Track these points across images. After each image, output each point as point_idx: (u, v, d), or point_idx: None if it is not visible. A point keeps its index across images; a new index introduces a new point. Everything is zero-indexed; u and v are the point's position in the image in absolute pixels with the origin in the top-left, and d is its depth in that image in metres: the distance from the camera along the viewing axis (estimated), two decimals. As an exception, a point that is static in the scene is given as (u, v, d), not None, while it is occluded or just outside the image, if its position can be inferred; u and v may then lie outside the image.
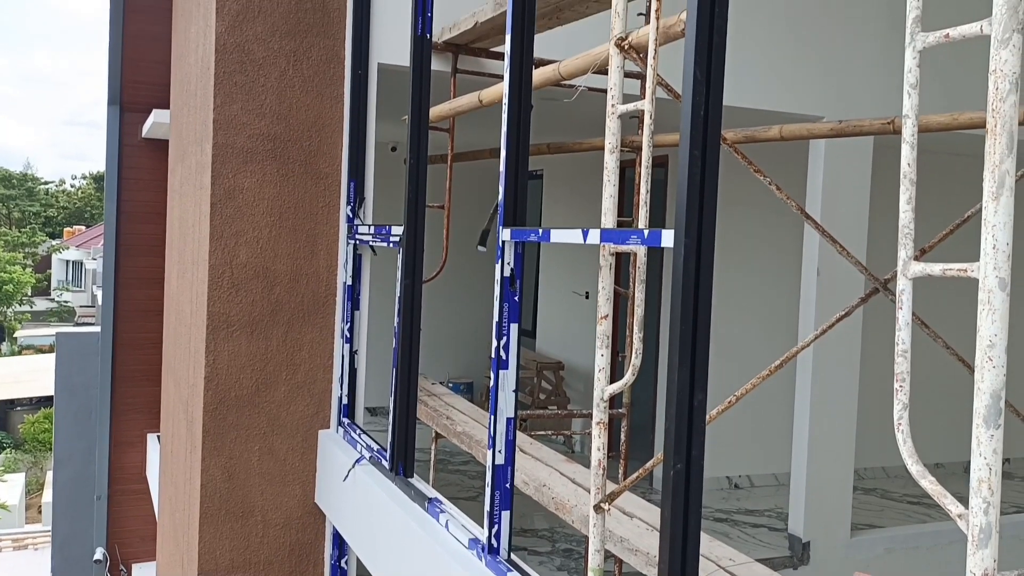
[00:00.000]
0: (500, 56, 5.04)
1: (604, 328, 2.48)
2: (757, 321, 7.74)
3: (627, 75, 3.85)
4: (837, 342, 5.67)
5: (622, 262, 6.59)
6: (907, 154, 1.59)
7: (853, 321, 5.82)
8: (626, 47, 2.66)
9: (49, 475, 17.36)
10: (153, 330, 8.20)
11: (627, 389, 3.47)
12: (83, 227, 50.46)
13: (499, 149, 2.99)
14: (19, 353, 33.07)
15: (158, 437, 8.15)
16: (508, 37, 2.96)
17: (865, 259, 5.89)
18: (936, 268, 1.53)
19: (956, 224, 2.69)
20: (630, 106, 2.57)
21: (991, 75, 1.40)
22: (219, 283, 4.40)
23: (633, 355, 2.37)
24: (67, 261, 47.16)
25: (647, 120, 2.47)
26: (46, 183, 57.09)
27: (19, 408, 24.98)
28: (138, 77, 8.14)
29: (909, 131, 1.59)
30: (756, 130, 4.19)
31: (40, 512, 19.17)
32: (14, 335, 35.39)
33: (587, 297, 9.13)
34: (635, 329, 2.39)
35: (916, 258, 1.62)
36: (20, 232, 45.45)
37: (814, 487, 6.10)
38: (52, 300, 42.29)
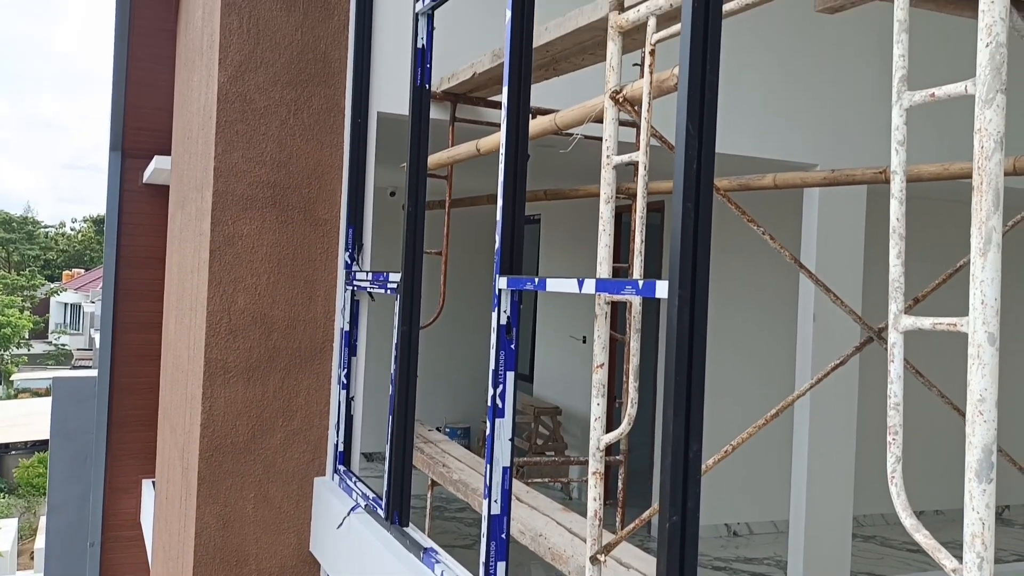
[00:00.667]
0: (498, 105, 5.11)
1: (600, 377, 2.49)
2: (754, 366, 7.74)
3: (622, 123, 3.91)
4: (834, 388, 5.66)
5: (619, 306, 6.61)
6: (896, 209, 1.61)
7: (850, 366, 5.82)
8: (621, 100, 2.71)
9: (42, 521, 17.19)
10: (150, 375, 8.19)
11: (624, 436, 3.46)
12: (82, 270, 50.55)
13: (497, 195, 3.03)
14: (15, 396, 32.92)
15: (153, 483, 8.09)
16: (505, 89, 3.01)
17: (861, 304, 5.91)
18: (926, 322, 1.55)
19: (948, 274, 2.71)
20: (625, 157, 2.61)
21: (976, 134, 1.43)
22: (217, 329, 4.41)
23: (629, 404, 2.37)
24: (65, 304, 47.16)
25: (641, 171, 2.50)
26: (46, 227, 57.31)
27: (13, 452, 24.79)
28: (140, 123, 8.23)
29: (897, 187, 1.62)
30: (750, 178, 4.24)
31: (32, 558, 18.92)
32: (10, 378, 35.25)
33: (584, 341, 9.14)
34: (631, 379, 2.40)
35: (908, 309, 1.64)
36: (19, 275, 45.51)
37: (813, 534, 6.05)
38: (50, 343, 42.21)
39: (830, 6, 2.33)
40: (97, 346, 9.56)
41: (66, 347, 41.66)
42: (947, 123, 5.98)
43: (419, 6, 3.95)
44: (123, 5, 7.70)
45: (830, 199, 6.00)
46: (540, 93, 4.96)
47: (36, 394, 31.24)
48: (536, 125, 3.55)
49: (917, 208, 7.91)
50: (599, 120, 2.99)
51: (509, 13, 3.04)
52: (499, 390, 2.88)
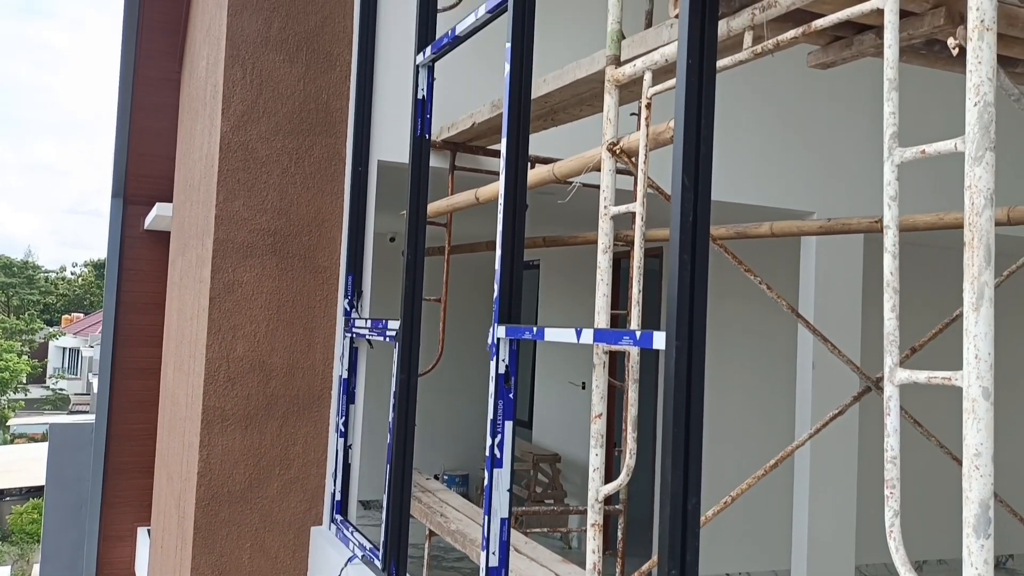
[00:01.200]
0: (497, 153, 5.16)
1: (598, 427, 2.49)
2: (754, 413, 7.71)
3: (620, 172, 3.95)
4: (834, 435, 5.64)
5: (618, 352, 6.61)
6: (889, 263, 1.63)
7: (850, 414, 5.80)
8: (618, 151, 2.75)
9: (36, 568, 16.94)
10: (148, 421, 8.15)
11: (623, 486, 3.45)
12: (81, 314, 50.51)
13: (496, 242, 3.05)
14: (11, 442, 32.68)
15: (149, 531, 8.01)
16: (504, 140, 3.05)
17: (860, 350, 5.92)
18: (922, 376, 1.56)
19: (944, 324, 2.72)
20: (622, 208, 2.64)
21: (967, 190, 1.46)
22: (215, 376, 4.40)
23: (628, 455, 2.37)
24: (64, 348, 47.05)
25: (638, 222, 2.53)
26: (47, 271, 57.43)
27: (8, 499, 24.54)
28: (142, 171, 8.30)
29: (891, 240, 1.64)
30: (747, 226, 4.27)
31: (25, 607, 18.64)
32: (7, 423, 35.04)
33: (584, 387, 9.11)
34: (630, 429, 2.40)
35: (905, 359, 1.65)
36: (18, 319, 45.48)
37: (816, 584, 5.98)
38: (47, 388, 42.03)
39: (822, 62, 2.38)
40: (95, 391, 9.53)
41: (63, 392, 41.48)
42: (944, 169, 6.03)
43: (420, 58, 4.01)
44: (128, 55, 7.81)
45: (828, 246, 6.03)
46: (539, 141, 5.02)
47: (32, 439, 31.03)
48: (535, 175, 3.59)
49: (914, 255, 7.96)
50: (597, 169, 3.03)
51: (508, 66, 3.09)
52: (497, 440, 2.87)
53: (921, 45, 2.22)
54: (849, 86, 6.13)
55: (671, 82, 2.36)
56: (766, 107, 5.96)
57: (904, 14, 2.07)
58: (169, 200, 7.77)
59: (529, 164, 3.61)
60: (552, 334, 2.63)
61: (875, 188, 6.05)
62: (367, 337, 4.43)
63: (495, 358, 2.92)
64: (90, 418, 9.21)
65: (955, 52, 1.54)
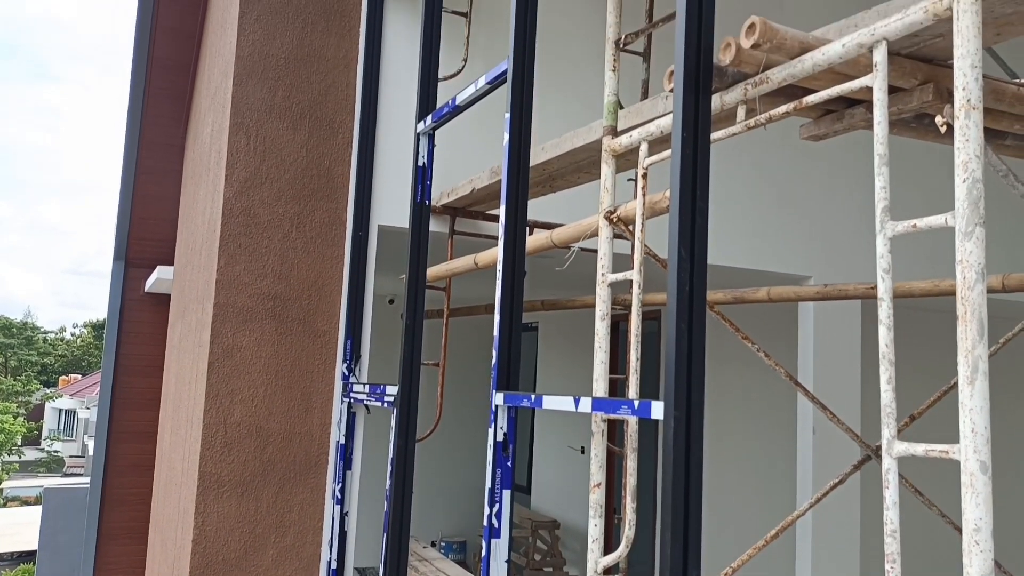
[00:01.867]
0: (496, 218, 5.22)
1: (597, 497, 2.47)
2: (755, 478, 7.64)
3: (617, 236, 3.99)
4: (836, 503, 5.59)
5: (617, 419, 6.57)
6: (884, 335, 1.64)
7: (851, 480, 5.75)
8: (615, 220, 2.78)
9: (24, 637, 16.57)
10: (143, 485, 8.07)
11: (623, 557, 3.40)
12: (79, 375, 50.32)
13: (494, 304, 3.07)
14: (4, 505, 32.26)
15: (140, 599, 7.87)
16: (503, 208, 3.09)
17: (860, 415, 5.89)
18: (919, 448, 1.56)
19: (942, 392, 2.72)
20: (619, 276, 2.66)
21: (958, 265, 1.48)
22: (212, 442, 4.38)
23: (627, 526, 2.35)
24: (60, 410, 46.75)
25: (635, 290, 2.55)
26: (46, 332, 57.37)
27: (-2, 564, 24.13)
28: (144, 234, 8.37)
29: (885, 313, 1.66)
30: (744, 291, 4.29)
31: (11, 677, 18.20)
32: (0, 486, 34.63)
33: (583, 452, 9.04)
34: (629, 499, 2.38)
35: (904, 427, 1.65)
36: (15, 380, 45.27)
37: (821, 656, 5.86)
38: (42, 450, 41.65)
39: (814, 135, 2.42)
40: (90, 453, 9.44)
41: (58, 454, 41.10)
42: (939, 234, 6.09)
43: (421, 127, 4.08)
44: (134, 121, 7.94)
45: (826, 310, 6.05)
46: (537, 206, 5.08)
47: (25, 503, 30.63)
48: (533, 241, 3.63)
49: (912, 319, 7.97)
50: (595, 236, 3.06)
51: (507, 136, 3.15)
52: (495, 509, 2.85)
53: (911, 119, 2.27)
54: (845, 150, 6.22)
55: (667, 153, 2.41)
56: (762, 170, 6.03)
57: (893, 89, 2.12)
58: (170, 263, 7.82)
59: (528, 229, 3.65)
60: (550, 402, 2.63)
61: (872, 251, 6.10)
62: (365, 403, 4.41)
63: (493, 425, 2.91)
64: (85, 481, 9.12)
65: (943, 130, 1.57)
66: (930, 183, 6.03)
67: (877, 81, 1.70)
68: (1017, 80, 2.12)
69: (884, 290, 1.66)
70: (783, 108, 2.02)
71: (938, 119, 1.57)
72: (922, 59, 2.04)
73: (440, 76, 4.32)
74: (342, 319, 4.75)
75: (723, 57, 2.13)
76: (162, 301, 8.50)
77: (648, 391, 8.20)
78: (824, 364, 5.98)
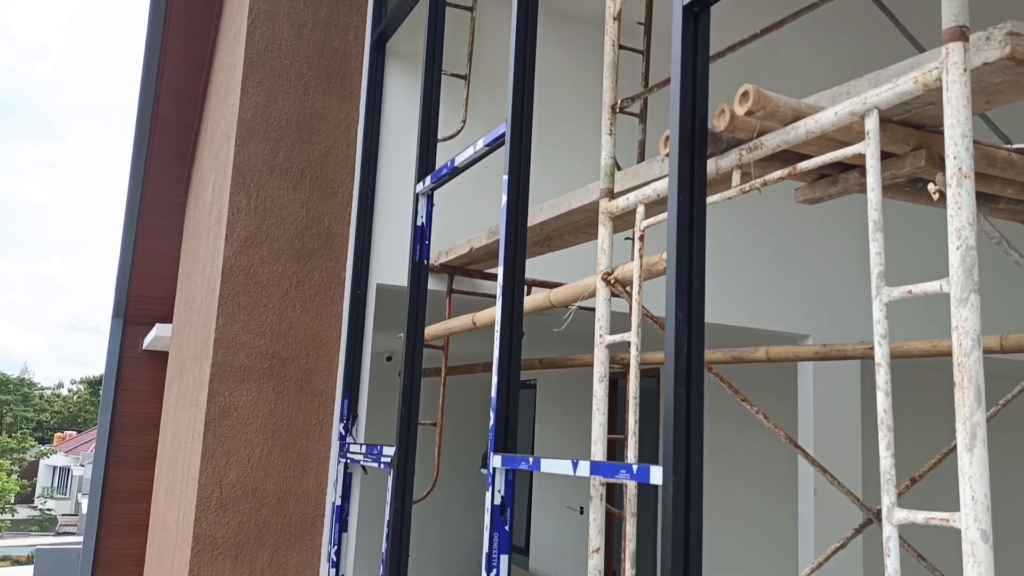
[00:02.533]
0: (494, 277, 5.23)
1: (596, 563, 2.44)
2: (755, 542, 7.53)
3: (615, 295, 4.00)
4: (839, 566, 5.50)
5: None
6: (882, 401, 1.64)
7: (854, 541, 5.68)
8: (612, 281, 2.79)
9: None
10: (137, 546, 7.96)
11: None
12: (74, 432, 49.93)
13: (492, 363, 3.06)
14: (-6, 565, 31.69)
15: (131, 664, 7.70)
16: (501, 268, 3.10)
17: (861, 474, 5.84)
18: (919, 516, 1.54)
19: (942, 454, 2.70)
20: (617, 337, 2.66)
21: (954, 331, 1.48)
22: (207, 503, 4.33)
23: (625, 592, 2.31)
24: (54, 467, 46.27)
25: (633, 352, 2.54)
26: (42, 388, 57.09)
27: (-14, 627, 23.62)
28: (144, 291, 8.39)
29: (883, 379, 1.66)
30: (743, 351, 4.29)
31: None
32: (-9, 545, 34.08)
33: (581, 512, 8.94)
34: (628, 565, 2.35)
35: (905, 490, 1.63)
36: (10, 437, 44.90)
37: None
38: (35, 508, 41.11)
39: (809, 198, 2.45)
40: (83, 512, 9.33)
41: (51, 512, 40.55)
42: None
43: (420, 187, 4.12)
44: (136, 179, 8.01)
45: (825, 369, 6.04)
46: (535, 265, 5.10)
47: (17, 562, 30.11)
48: (531, 302, 3.63)
49: (913, 377, 7.94)
50: (592, 296, 3.07)
51: (505, 197, 3.18)
52: (493, 574, 2.81)
53: (905, 183, 2.30)
54: (842, 207, 6.27)
55: (663, 216, 2.43)
56: (760, 228, 6.07)
57: (887, 155, 2.15)
58: (169, 321, 7.82)
59: (526, 287, 3.66)
60: (548, 465, 2.61)
61: (870, 309, 6.11)
62: (362, 463, 4.38)
63: (491, 488, 2.88)
64: (77, 541, 8.99)
65: (936, 197, 1.59)
66: (929, 232, 6.07)
67: (870, 149, 1.73)
68: (1009, 146, 2.15)
69: (881, 355, 1.66)
70: (778, 173, 2.04)
71: (931, 187, 1.59)
72: (914, 125, 2.07)
73: (439, 137, 4.38)
74: (339, 378, 4.74)
75: (717, 123, 2.16)
76: (160, 359, 8.48)
77: (647, 449, 8.13)
78: (824, 423, 5.95)
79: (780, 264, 6.10)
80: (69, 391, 60.02)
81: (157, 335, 7.61)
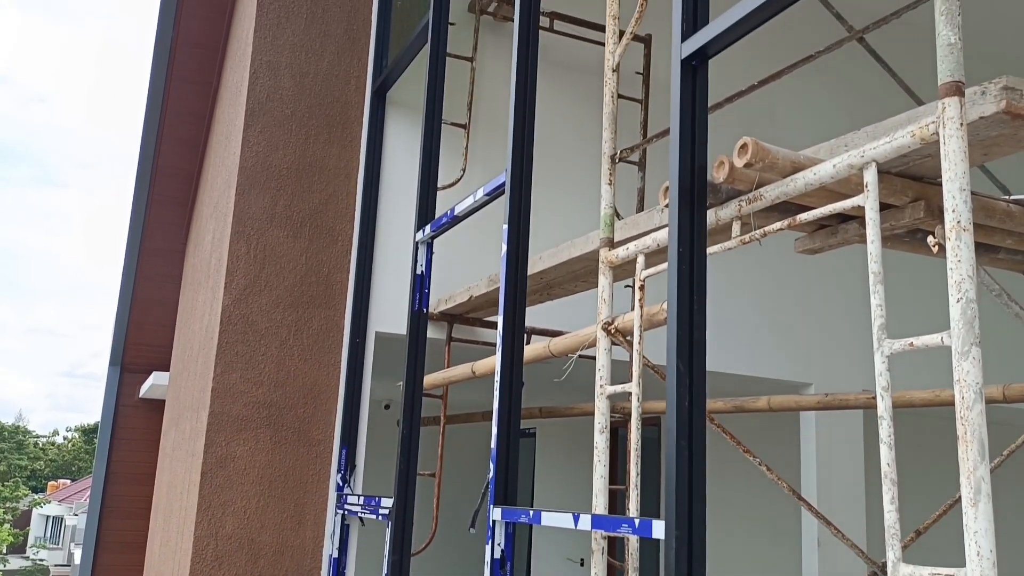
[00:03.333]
0: (494, 325, 5.22)
1: (597, 618, 2.39)
2: (760, 591, 7.42)
3: (615, 344, 3.99)
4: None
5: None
6: (886, 455, 1.62)
7: (859, 594, 5.59)
8: (613, 331, 2.79)
9: None
10: (129, 599, 7.83)
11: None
12: (68, 480, 49.44)
13: (491, 412, 3.04)
14: (-16, 617, 31.15)
15: None
16: (501, 320, 3.09)
17: (865, 524, 5.77)
18: (924, 572, 1.52)
19: (947, 506, 2.67)
20: (618, 388, 2.64)
21: (956, 384, 1.47)
22: (202, 556, 4.27)
23: (628, 649, 2.27)
24: (47, 517, 45.72)
25: (635, 403, 2.53)
26: (37, 436, 56.67)
27: None
28: (141, 339, 8.36)
29: (886, 432, 1.64)
30: (745, 400, 4.26)
31: None
32: (-19, 597, 33.53)
33: (582, 564, 8.81)
34: (629, 620, 2.31)
35: (910, 542, 1.61)
36: (3, 486, 44.45)
37: None
38: (27, 558, 40.53)
39: (809, 248, 2.45)
40: (76, 562, 9.21)
41: (43, 562, 39.96)
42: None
43: (419, 235, 4.13)
44: (136, 226, 8.04)
45: (827, 417, 6.00)
46: (536, 312, 5.10)
47: (7, 614, 29.59)
48: (531, 351, 3.62)
49: (917, 423, 7.89)
50: (593, 346, 3.06)
51: (505, 246, 3.18)
52: (492, 629, 2.76)
53: (905, 234, 2.30)
54: (842, 255, 6.28)
55: (663, 266, 2.43)
56: (760, 276, 6.08)
57: (886, 206, 2.16)
58: (166, 369, 7.78)
59: (526, 337, 3.64)
60: (549, 518, 2.58)
61: (872, 356, 6.08)
62: (359, 515, 4.32)
63: (490, 541, 2.84)
64: (69, 594, 8.84)
65: (935, 250, 1.59)
66: (929, 279, 6.08)
67: (868, 201, 1.73)
68: (1007, 197, 2.16)
69: (884, 408, 1.65)
70: (777, 225, 2.05)
71: (930, 240, 1.59)
72: (912, 177, 2.08)
73: (439, 185, 4.40)
74: (337, 427, 4.70)
75: (717, 175, 2.17)
76: (156, 407, 8.43)
77: (648, 500, 8.04)
78: (827, 473, 5.89)
79: (781, 312, 6.09)
80: (64, 439, 59.55)
81: (154, 383, 7.57)
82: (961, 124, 1.55)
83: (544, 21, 5.40)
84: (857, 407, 3.63)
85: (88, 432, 54.42)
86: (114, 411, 8.55)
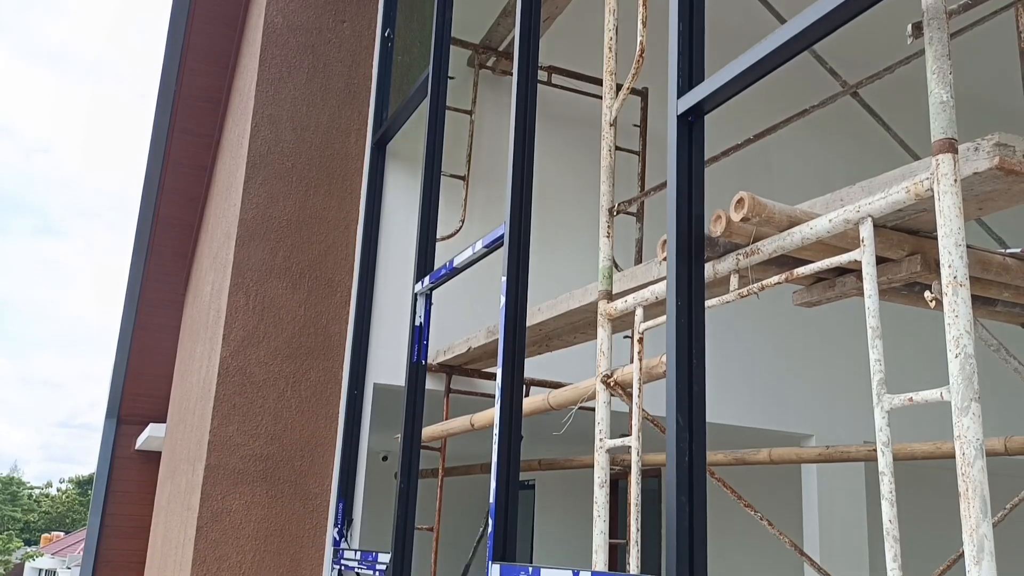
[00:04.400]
0: (493, 376, 5.20)
1: None
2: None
3: (614, 395, 3.97)
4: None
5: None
6: (887, 511, 1.61)
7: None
8: (612, 383, 2.77)
9: None
10: (120, 656, 7.68)
11: None
12: (62, 533, 48.79)
13: (490, 464, 3.01)
14: (-29, 674, 30.50)
15: None
16: (499, 372, 3.08)
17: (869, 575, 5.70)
18: (932, 633, 1.49)
19: (951, 561, 2.64)
20: (618, 441, 2.62)
21: (956, 440, 1.46)
22: (196, 612, 4.20)
23: None
24: (40, 570, 45.02)
25: (634, 457, 2.51)
26: (31, 487, 56.10)
27: None
28: (139, 390, 8.33)
29: (887, 488, 1.63)
30: (746, 453, 4.23)
31: None
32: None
33: (583, 618, 8.66)
34: None
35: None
36: (-3, 539, 43.86)
37: None
38: (17, 614, 39.81)
39: (807, 301, 2.46)
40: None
41: (35, 617, 39.24)
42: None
43: (418, 287, 4.14)
44: (135, 277, 8.05)
45: (829, 469, 5.95)
46: (535, 363, 5.08)
47: (-5, 672, 28.97)
48: (530, 404, 3.60)
49: (919, 475, 7.82)
50: (592, 399, 3.05)
51: (504, 298, 3.19)
52: None
53: (902, 287, 2.31)
54: (841, 306, 6.29)
55: (662, 319, 2.43)
56: (759, 328, 6.07)
57: (882, 259, 2.17)
58: (163, 420, 7.74)
59: (525, 388, 3.63)
60: (549, 575, 2.54)
61: (872, 407, 6.05)
62: (356, 571, 4.26)
63: (489, 597, 2.80)
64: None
65: (932, 305, 1.59)
66: (929, 331, 6.07)
67: (865, 256, 1.74)
68: (1003, 250, 2.17)
69: (885, 464, 1.64)
70: (775, 279, 2.06)
71: (927, 295, 1.60)
72: (908, 231, 2.09)
73: (438, 236, 4.42)
74: (334, 480, 4.66)
75: (714, 229, 2.18)
76: (152, 459, 8.36)
77: (649, 553, 7.94)
78: (829, 525, 5.82)
79: (781, 364, 6.08)
80: (58, 490, 58.93)
81: (150, 435, 7.52)
82: (955, 180, 1.56)
83: (542, 75, 5.47)
84: (858, 459, 3.60)
85: (83, 484, 53.88)
86: (110, 463, 8.47)
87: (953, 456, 3.25)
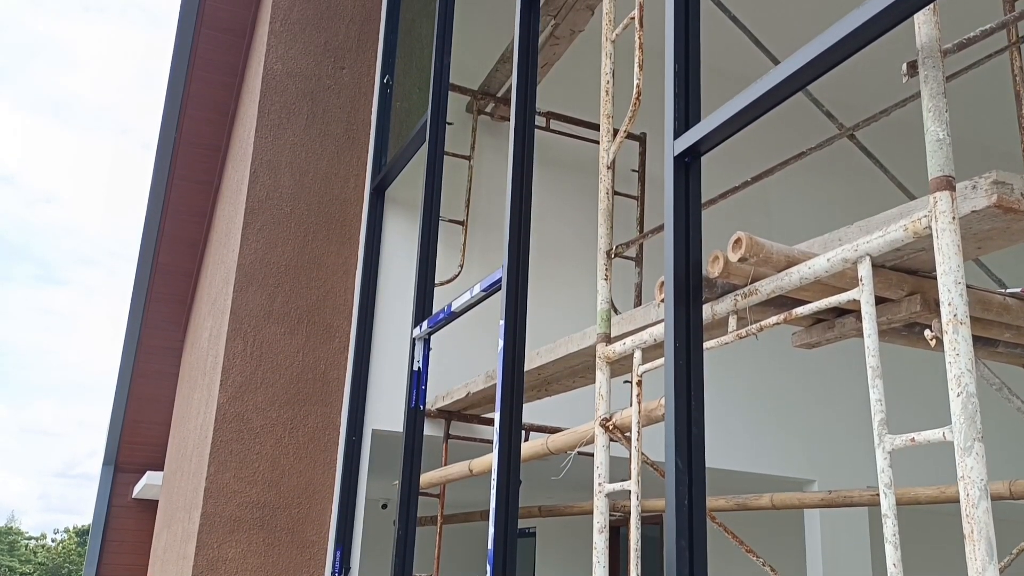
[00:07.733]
0: (491, 422, 5.16)
1: None
2: None
3: (613, 439, 3.93)
4: None
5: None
6: (891, 554, 1.57)
7: None
8: (611, 427, 2.74)
9: None
10: None
11: None
12: (57, 584, 48.06)
13: (489, 511, 2.96)
14: None
15: None
16: (497, 417, 3.05)
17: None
18: None
19: (961, 609, 2.58)
20: (617, 486, 2.59)
21: (960, 481, 1.44)
22: (189, 665, 4.11)
23: None
24: (33, 622, 44.24)
25: (634, 501, 2.47)
26: (28, 537, 55.43)
27: None
28: (136, 438, 8.26)
29: (891, 530, 1.59)
30: (747, 498, 4.18)
31: None
32: None
33: (586, 669, 8.49)
34: None
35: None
36: (-9, 590, 43.21)
37: None
38: (11, 667, 39.06)
39: (806, 343, 2.44)
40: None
41: (28, 672, 38.49)
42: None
43: (416, 332, 4.12)
44: (134, 324, 8.04)
45: (832, 514, 5.87)
46: (534, 407, 5.04)
47: None
48: (528, 448, 3.57)
49: (924, 521, 7.72)
50: (591, 443, 3.01)
51: (502, 342, 3.17)
52: None
53: (902, 327, 2.29)
54: (842, 348, 6.26)
55: (661, 361, 2.41)
56: (759, 370, 6.04)
57: (882, 299, 2.15)
58: (160, 468, 7.66)
59: (524, 433, 3.59)
60: (548, 623, 2.48)
61: (875, 451, 5.98)
62: (354, 619, 4.18)
63: (488, 648, 2.74)
64: None
65: (933, 344, 1.58)
66: (931, 370, 6.03)
67: (864, 295, 1.73)
68: (1003, 291, 2.16)
69: (888, 506, 1.61)
70: (773, 319, 2.04)
71: (927, 334, 1.58)
72: (907, 271, 2.08)
73: (437, 281, 4.41)
74: (332, 528, 4.59)
75: (712, 269, 2.17)
76: (149, 508, 8.27)
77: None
78: (833, 570, 5.73)
79: (782, 407, 6.03)
80: (53, 540, 58.20)
81: (148, 483, 7.44)
82: (953, 217, 1.56)
83: (540, 120, 5.51)
84: (861, 504, 3.55)
85: (80, 534, 53.25)
86: (106, 512, 8.37)
87: (958, 500, 3.20)
